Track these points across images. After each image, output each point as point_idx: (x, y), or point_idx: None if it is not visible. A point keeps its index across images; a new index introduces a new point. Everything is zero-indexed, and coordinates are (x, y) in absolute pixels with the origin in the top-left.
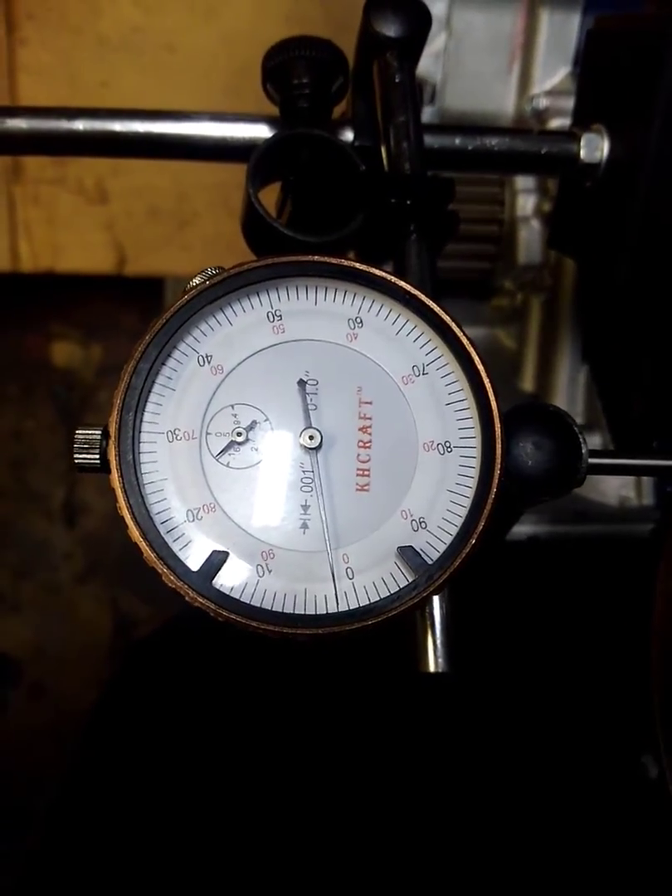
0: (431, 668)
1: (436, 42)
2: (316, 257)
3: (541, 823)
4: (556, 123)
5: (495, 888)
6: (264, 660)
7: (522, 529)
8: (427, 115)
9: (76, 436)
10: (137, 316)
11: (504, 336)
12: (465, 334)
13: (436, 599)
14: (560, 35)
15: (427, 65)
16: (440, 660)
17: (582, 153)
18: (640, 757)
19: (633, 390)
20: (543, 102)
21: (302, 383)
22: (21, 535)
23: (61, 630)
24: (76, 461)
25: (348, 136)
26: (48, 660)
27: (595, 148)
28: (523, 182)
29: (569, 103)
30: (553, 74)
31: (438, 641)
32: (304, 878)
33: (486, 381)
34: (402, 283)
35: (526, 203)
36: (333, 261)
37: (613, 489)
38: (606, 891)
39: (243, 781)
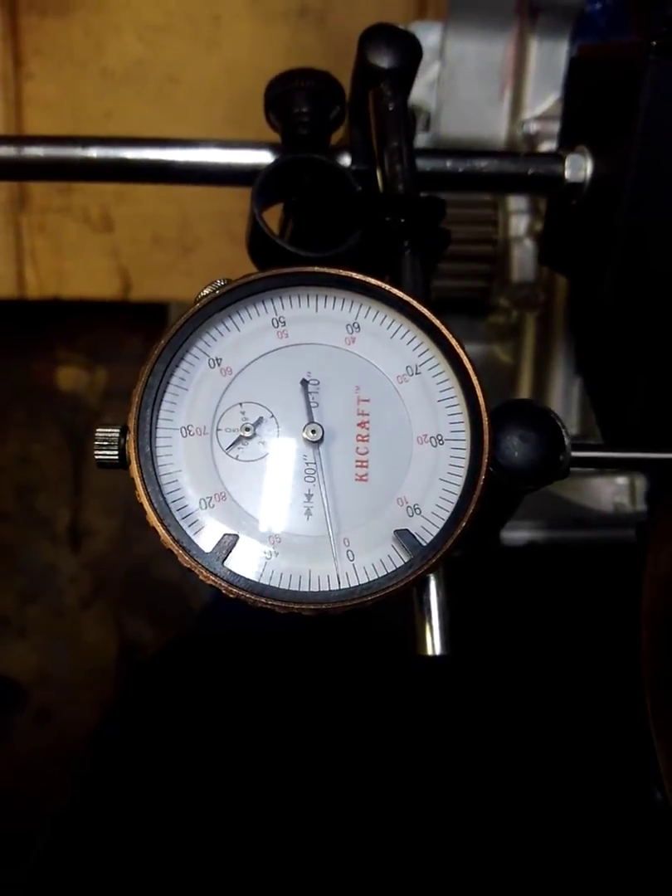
0: (429, 652)
1: (430, 71)
2: (316, 268)
3: (535, 810)
4: (546, 147)
5: (493, 875)
6: (264, 677)
7: (521, 535)
8: (422, 141)
9: (96, 434)
10: (142, 341)
11: (501, 352)
12: (454, 337)
13: (432, 586)
14: (549, 63)
15: (422, 93)
16: (437, 643)
17: (566, 173)
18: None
19: (626, 401)
20: (534, 127)
21: (304, 383)
22: (27, 560)
23: (67, 654)
24: (96, 458)
25: (346, 160)
26: (54, 684)
27: (579, 168)
28: (516, 203)
29: (558, 127)
30: (543, 100)
31: (435, 626)
32: (308, 884)
33: (475, 379)
34: (395, 291)
35: (518, 223)
36: (332, 271)
37: (608, 496)
38: (600, 880)
39: (247, 797)
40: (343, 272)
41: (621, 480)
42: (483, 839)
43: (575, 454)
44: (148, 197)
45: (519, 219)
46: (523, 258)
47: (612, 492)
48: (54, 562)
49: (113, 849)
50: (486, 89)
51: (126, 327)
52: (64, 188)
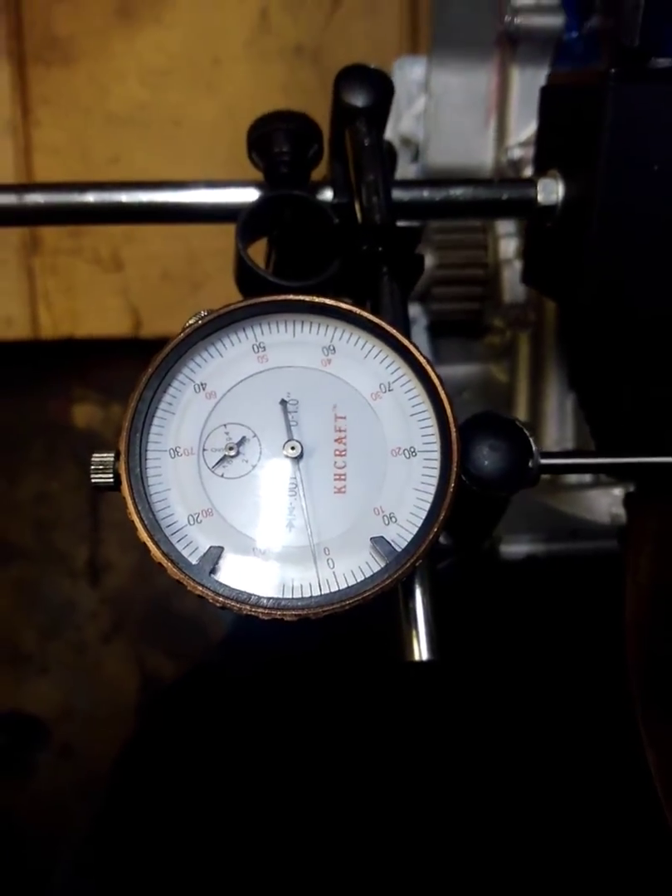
0: (416, 658)
1: (417, 104)
2: (292, 296)
3: (527, 809)
4: (530, 172)
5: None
6: (281, 707)
7: (519, 549)
8: (412, 172)
9: (92, 459)
10: None
11: (497, 371)
12: (422, 355)
13: (418, 594)
14: (531, 91)
15: (411, 126)
16: (424, 649)
17: (539, 197)
18: None
19: (616, 413)
20: (518, 153)
21: (284, 403)
22: (47, 596)
23: (89, 690)
24: (93, 481)
25: (328, 194)
26: (76, 720)
27: (551, 192)
28: (504, 227)
29: None
30: (526, 127)
31: (421, 632)
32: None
33: (443, 394)
34: (366, 314)
35: (508, 246)
36: (307, 298)
37: (604, 507)
38: (590, 871)
39: (266, 824)
40: (317, 299)
41: (617, 491)
42: (475, 845)
43: (544, 461)
44: (156, 236)
45: (508, 242)
46: (513, 279)
47: (609, 503)
48: (74, 597)
49: (135, 880)
50: (472, 119)
51: (139, 364)
52: (74, 231)
